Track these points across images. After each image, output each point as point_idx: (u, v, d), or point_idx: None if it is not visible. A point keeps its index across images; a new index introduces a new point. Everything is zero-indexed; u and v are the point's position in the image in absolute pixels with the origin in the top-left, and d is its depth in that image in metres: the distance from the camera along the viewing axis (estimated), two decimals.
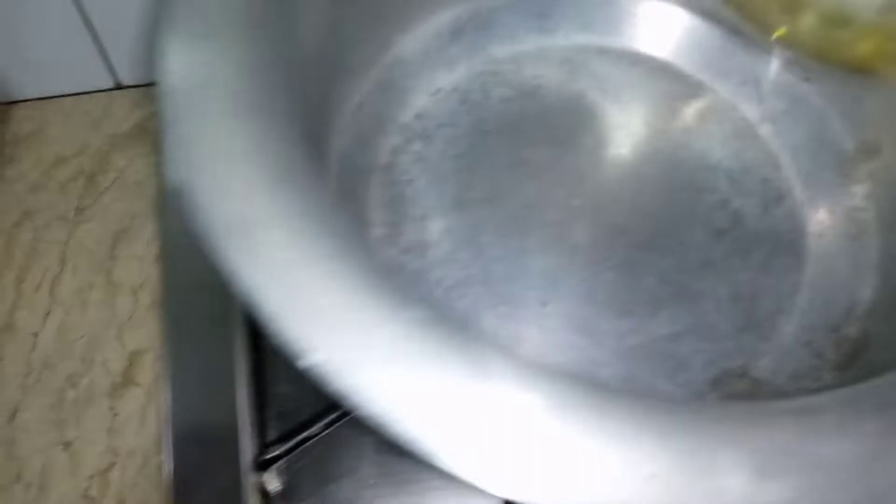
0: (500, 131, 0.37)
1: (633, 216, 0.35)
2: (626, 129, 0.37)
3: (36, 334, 0.42)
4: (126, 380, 0.41)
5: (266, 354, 0.34)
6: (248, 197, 0.20)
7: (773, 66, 0.36)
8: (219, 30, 0.23)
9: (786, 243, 0.34)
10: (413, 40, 0.37)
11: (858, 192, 0.34)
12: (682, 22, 0.38)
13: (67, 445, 0.39)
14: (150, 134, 0.47)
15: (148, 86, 0.49)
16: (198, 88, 0.21)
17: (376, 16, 0.34)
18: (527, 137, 0.37)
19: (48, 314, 0.42)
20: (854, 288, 0.32)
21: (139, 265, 0.44)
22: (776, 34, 0.34)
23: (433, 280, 0.34)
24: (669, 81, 0.38)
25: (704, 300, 0.33)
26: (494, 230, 0.35)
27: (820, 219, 0.35)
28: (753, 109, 0.37)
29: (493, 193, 0.36)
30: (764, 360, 0.32)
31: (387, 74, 0.36)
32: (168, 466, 0.30)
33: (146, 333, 0.42)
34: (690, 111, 0.37)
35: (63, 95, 0.48)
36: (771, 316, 0.33)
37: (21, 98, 0.48)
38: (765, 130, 0.37)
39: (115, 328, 0.42)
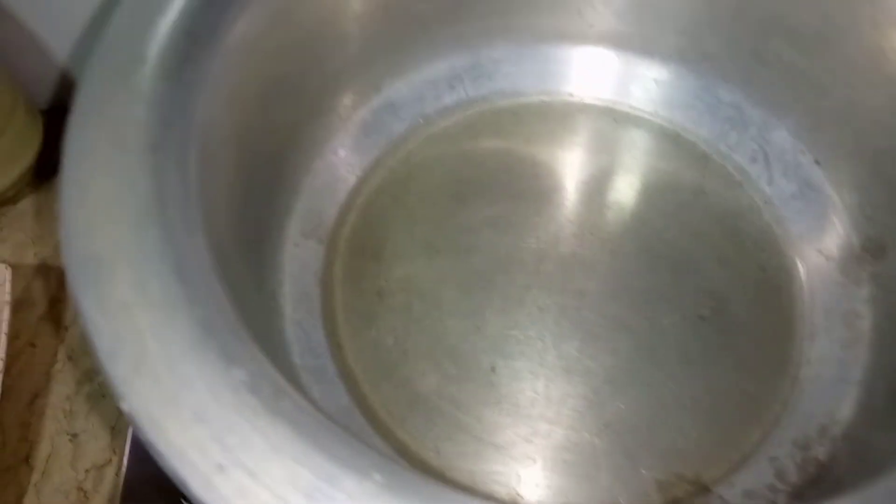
0: (483, 183, 0.36)
1: (605, 289, 0.33)
2: (617, 196, 0.35)
3: (66, 328, 0.43)
4: None
5: None
6: (108, 233, 0.19)
7: (785, 143, 0.33)
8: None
9: (771, 340, 0.31)
10: (405, 86, 0.36)
11: (859, 296, 0.30)
12: (695, 90, 0.36)
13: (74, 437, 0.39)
14: None
15: None
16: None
17: (367, 62, 0.34)
18: (510, 191, 0.35)
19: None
20: (835, 403, 0.28)
21: None
22: None
23: (384, 327, 0.33)
24: (675, 150, 0.36)
25: (667, 392, 0.30)
26: (457, 284, 0.33)
27: (814, 319, 0.31)
28: (760, 189, 0.34)
29: (463, 246, 0.34)
30: (721, 469, 0.29)
31: (373, 118, 0.36)
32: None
33: None
34: (691, 184, 0.35)
35: None
36: (739, 421, 0.30)
37: None
38: (769, 214, 0.33)
39: None
